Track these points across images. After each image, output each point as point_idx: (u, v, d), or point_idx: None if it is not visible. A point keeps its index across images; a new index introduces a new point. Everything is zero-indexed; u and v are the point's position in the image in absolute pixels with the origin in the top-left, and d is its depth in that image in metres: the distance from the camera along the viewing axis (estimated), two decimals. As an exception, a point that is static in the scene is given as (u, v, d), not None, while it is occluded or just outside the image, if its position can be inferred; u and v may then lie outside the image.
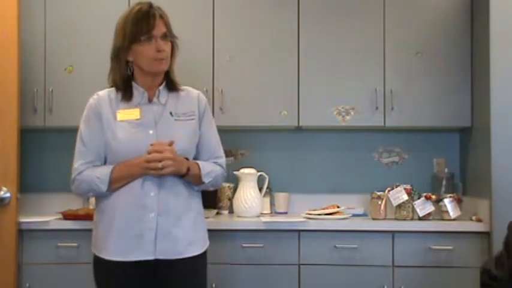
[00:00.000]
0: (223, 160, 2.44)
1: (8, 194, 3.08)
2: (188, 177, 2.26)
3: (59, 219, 3.23)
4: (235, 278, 3.14)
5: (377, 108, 3.48)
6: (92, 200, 3.47)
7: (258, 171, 3.49)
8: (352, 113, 3.51)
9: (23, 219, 3.14)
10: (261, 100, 3.50)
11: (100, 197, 2.30)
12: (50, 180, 3.77)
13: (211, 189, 2.46)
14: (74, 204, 3.52)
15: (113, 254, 2.23)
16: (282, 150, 3.82)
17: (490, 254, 3.08)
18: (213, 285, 3.09)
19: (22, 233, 3.15)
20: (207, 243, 2.38)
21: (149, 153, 2.17)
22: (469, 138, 3.55)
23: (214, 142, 2.41)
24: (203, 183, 2.32)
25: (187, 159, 2.28)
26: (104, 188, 2.22)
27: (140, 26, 2.21)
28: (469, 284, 3.07)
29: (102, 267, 2.29)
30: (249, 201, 3.39)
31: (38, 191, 3.71)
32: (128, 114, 2.25)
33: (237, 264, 3.15)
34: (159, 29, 2.24)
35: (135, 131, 2.24)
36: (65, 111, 3.48)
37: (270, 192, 3.69)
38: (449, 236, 3.15)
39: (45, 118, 3.49)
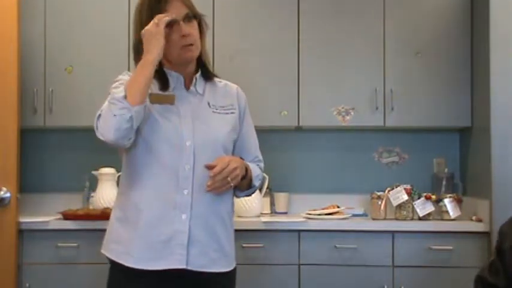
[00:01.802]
0: (263, 164, 2.19)
1: (8, 194, 3.08)
2: (245, 179, 2.00)
3: (59, 219, 3.23)
4: (236, 278, 3.13)
5: (377, 108, 3.48)
6: (92, 200, 3.47)
7: (258, 171, 3.49)
8: (352, 113, 3.51)
9: (23, 219, 3.14)
10: (261, 100, 3.50)
11: (120, 192, 1.99)
12: (50, 180, 3.77)
13: (251, 195, 2.15)
14: (74, 204, 3.52)
15: (136, 261, 1.86)
16: (282, 150, 3.82)
17: (490, 254, 3.08)
18: (213, 285, 3.09)
19: (22, 233, 3.15)
20: (235, 260, 2.08)
21: (214, 173, 1.87)
22: (469, 138, 3.55)
23: (255, 143, 2.16)
24: (252, 187, 2.06)
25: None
26: (121, 94, 1.79)
27: (156, 10, 1.87)
28: (469, 284, 3.05)
29: (119, 273, 1.90)
30: (249, 201, 3.39)
31: (38, 191, 3.71)
32: (162, 97, 1.92)
33: (237, 264, 3.14)
34: (179, 11, 1.90)
35: (170, 117, 1.91)
36: (65, 111, 3.48)
37: (270, 192, 3.69)
38: (449, 236, 3.15)
39: (45, 118, 3.49)
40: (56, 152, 3.81)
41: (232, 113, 2.04)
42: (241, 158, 2.02)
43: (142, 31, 1.84)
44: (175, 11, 1.90)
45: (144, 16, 1.90)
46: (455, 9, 3.50)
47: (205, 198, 1.91)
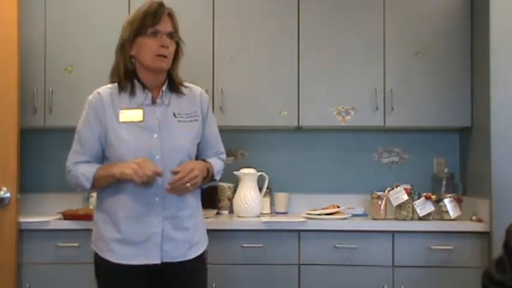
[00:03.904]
0: (225, 155, 2.50)
1: (8, 194, 3.08)
2: (206, 178, 2.32)
3: (59, 219, 3.23)
4: (235, 278, 3.14)
5: (377, 108, 3.48)
6: (92, 200, 3.47)
7: (258, 171, 3.49)
8: (352, 113, 3.51)
9: (23, 219, 3.14)
10: (261, 100, 3.50)
11: (102, 194, 2.29)
12: (50, 180, 3.77)
13: (211, 185, 2.52)
14: (74, 204, 3.52)
15: (119, 257, 2.22)
16: (282, 150, 3.82)
17: (490, 254, 3.08)
18: (213, 285, 3.09)
19: (22, 233, 3.15)
20: (207, 241, 2.42)
21: (174, 181, 2.18)
22: (469, 138, 3.55)
23: (216, 139, 2.45)
24: (214, 180, 2.41)
25: (205, 161, 2.34)
26: (87, 184, 2.24)
27: (147, 19, 2.20)
28: (469, 284, 3.07)
29: (105, 268, 2.27)
30: (249, 201, 3.39)
31: (38, 191, 3.71)
32: (131, 115, 2.22)
33: (237, 264, 3.15)
34: (166, 26, 2.22)
35: (139, 133, 2.21)
36: (65, 111, 3.48)
37: (270, 192, 3.69)
38: (449, 236, 3.15)
39: (45, 118, 3.49)
40: (56, 152, 3.79)
41: (195, 120, 2.32)
42: (203, 158, 2.35)
43: (141, 161, 2.12)
44: (163, 25, 2.21)
45: (135, 23, 2.21)
46: (455, 9, 3.50)
47: (173, 200, 2.23)
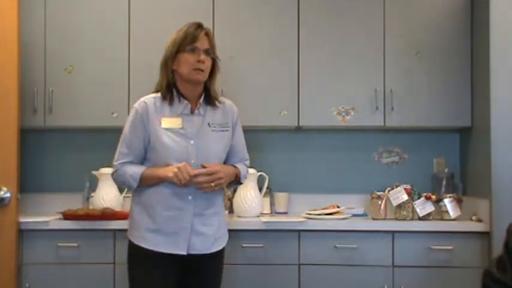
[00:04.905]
0: (249, 162, 2.80)
1: (8, 194, 3.08)
2: (234, 181, 2.66)
3: (59, 219, 3.23)
4: (235, 278, 3.14)
5: (377, 108, 3.48)
6: (92, 200, 3.48)
7: (258, 171, 3.49)
8: (352, 113, 3.51)
9: (23, 219, 3.14)
10: (261, 100, 3.50)
11: (140, 190, 2.56)
12: (50, 180, 3.77)
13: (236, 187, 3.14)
14: (74, 204, 3.52)
15: (151, 244, 2.49)
16: (282, 150, 3.82)
17: (490, 254, 3.08)
18: (213, 285, 3.10)
19: (22, 233, 3.15)
20: (227, 237, 2.69)
21: (197, 173, 2.46)
22: (469, 138, 3.55)
23: (243, 147, 2.75)
24: (240, 184, 2.76)
25: (234, 166, 2.66)
26: (135, 184, 2.53)
27: (187, 38, 2.52)
28: (469, 284, 3.07)
29: (138, 251, 2.52)
30: (249, 201, 3.39)
31: (38, 191, 3.71)
32: (171, 122, 2.52)
33: (237, 264, 3.15)
34: (203, 43, 2.53)
35: (178, 139, 2.51)
36: (65, 111, 3.49)
37: (270, 192, 3.69)
38: (449, 236, 3.15)
39: (45, 118, 3.49)
40: (56, 152, 3.81)
41: (227, 130, 2.63)
42: (230, 163, 2.66)
43: (181, 166, 2.43)
44: (201, 43, 2.53)
45: (177, 41, 2.53)
46: (455, 9, 3.50)
47: (203, 200, 2.52)
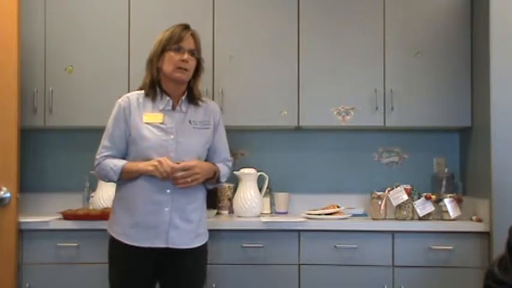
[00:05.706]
0: (231, 163, 2.87)
1: (8, 194, 3.08)
2: (212, 179, 2.69)
3: (59, 219, 3.23)
4: (235, 278, 3.14)
5: (377, 108, 3.48)
6: (92, 200, 3.48)
7: (258, 171, 3.49)
8: (352, 113, 3.51)
9: (23, 219, 3.14)
10: (261, 100, 3.50)
11: (121, 186, 2.63)
12: (50, 180, 3.77)
13: (216, 187, 2.96)
14: (74, 204, 3.53)
15: (131, 240, 2.55)
16: (282, 150, 3.82)
17: (490, 254, 3.08)
18: (213, 285, 3.09)
19: (22, 233, 3.15)
20: (208, 235, 2.73)
21: (173, 168, 2.52)
22: (469, 138, 3.55)
23: (225, 147, 2.81)
24: (219, 183, 2.78)
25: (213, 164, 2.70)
26: (115, 177, 2.60)
27: (173, 37, 2.61)
28: (469, 284, 3.07)
29: (118, 248, 2.59)
30: (249, 201, 3.39)
31: (38, 191, 3.71)
32: (152, 117, 2.60)
33: (237, 264, 3.15)
34: (188, 44, 2.62)
35: (159, 133, 2.58)
36: (65, 111, 3.49)
37: (270, 192, 3.68)
38: (449, 236, 3.15)
39: (45, 118, 3.49)
40: (56, 152, 3.81)
41: (207, 128, 2.70)
42: (211, 161, 2.72)
43: (162, 159, 2.51)
44: (186, 43, 2.61)
45: (163, 40, 2.60)
46: (455, 9, 3.50)
47: (182, 195, 2.57)
